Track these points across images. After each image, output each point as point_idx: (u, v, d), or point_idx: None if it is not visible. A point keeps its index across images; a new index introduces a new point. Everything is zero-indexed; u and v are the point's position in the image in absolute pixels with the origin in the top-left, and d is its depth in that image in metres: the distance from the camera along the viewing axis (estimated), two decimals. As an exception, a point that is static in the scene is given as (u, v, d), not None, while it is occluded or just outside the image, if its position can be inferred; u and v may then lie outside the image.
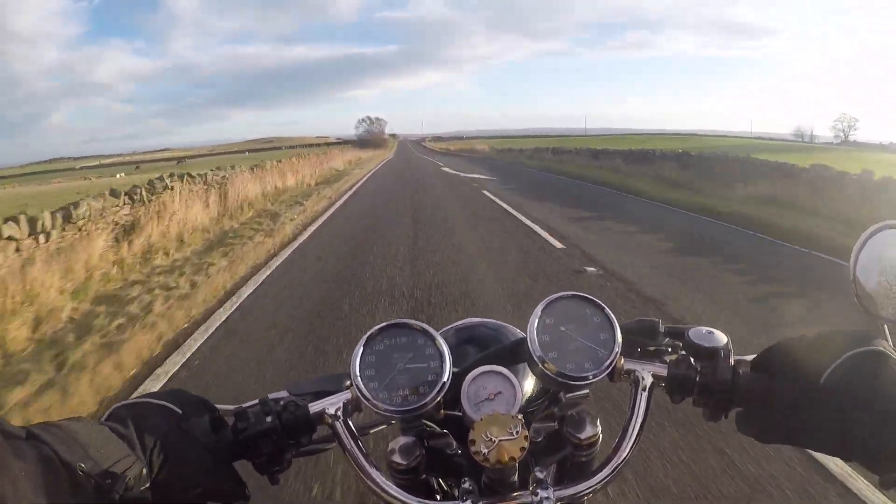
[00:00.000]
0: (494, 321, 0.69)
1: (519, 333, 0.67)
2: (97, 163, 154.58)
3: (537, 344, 0.53)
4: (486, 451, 0.46)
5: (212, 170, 9.81)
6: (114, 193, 6.35)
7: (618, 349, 0.53)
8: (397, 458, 0.52)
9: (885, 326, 0.50)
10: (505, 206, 9.57)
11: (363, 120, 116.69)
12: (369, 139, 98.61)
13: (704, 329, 0.53)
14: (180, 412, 0.47)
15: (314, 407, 0.53)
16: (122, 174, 60.85)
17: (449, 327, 0.67)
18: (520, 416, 0.49)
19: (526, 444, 0.46)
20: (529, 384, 0.59)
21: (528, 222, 7.68)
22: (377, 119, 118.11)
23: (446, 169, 22.15)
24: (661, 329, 0.56)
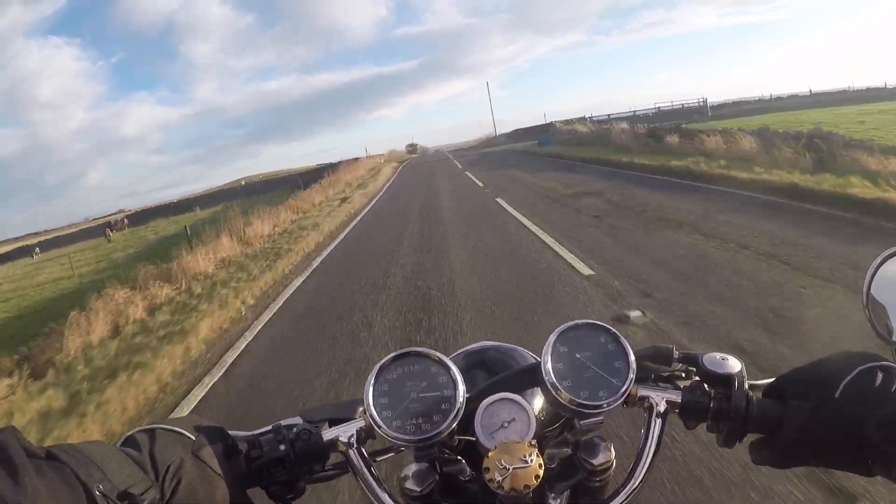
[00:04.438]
0: (506, 345, 0.69)
1: (530, 357, 0.67)
2: None
3: (552, 372, 0.53)
4: (500, 478, 0.46)
5: None
6: None
7: (632, 377, 0.53)
8: (411, 485, 0.52)
9: None
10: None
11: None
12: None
13: (718, 355, 0.54)
14: (194, 439, 0.48)
15: (327, 434, 0.53)
16: None
17: (459, 351, 0.68)
18: (534, 443, 0.49)
19: (540, 472, 0.47)
20: (542, 409, 0.59)
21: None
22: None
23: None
24: (676, 355, 0.56)
